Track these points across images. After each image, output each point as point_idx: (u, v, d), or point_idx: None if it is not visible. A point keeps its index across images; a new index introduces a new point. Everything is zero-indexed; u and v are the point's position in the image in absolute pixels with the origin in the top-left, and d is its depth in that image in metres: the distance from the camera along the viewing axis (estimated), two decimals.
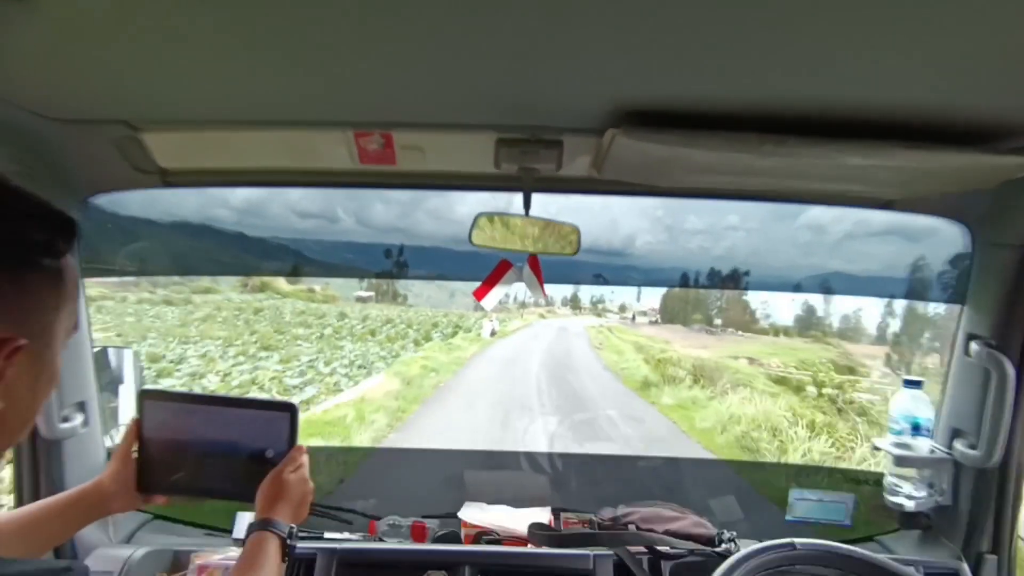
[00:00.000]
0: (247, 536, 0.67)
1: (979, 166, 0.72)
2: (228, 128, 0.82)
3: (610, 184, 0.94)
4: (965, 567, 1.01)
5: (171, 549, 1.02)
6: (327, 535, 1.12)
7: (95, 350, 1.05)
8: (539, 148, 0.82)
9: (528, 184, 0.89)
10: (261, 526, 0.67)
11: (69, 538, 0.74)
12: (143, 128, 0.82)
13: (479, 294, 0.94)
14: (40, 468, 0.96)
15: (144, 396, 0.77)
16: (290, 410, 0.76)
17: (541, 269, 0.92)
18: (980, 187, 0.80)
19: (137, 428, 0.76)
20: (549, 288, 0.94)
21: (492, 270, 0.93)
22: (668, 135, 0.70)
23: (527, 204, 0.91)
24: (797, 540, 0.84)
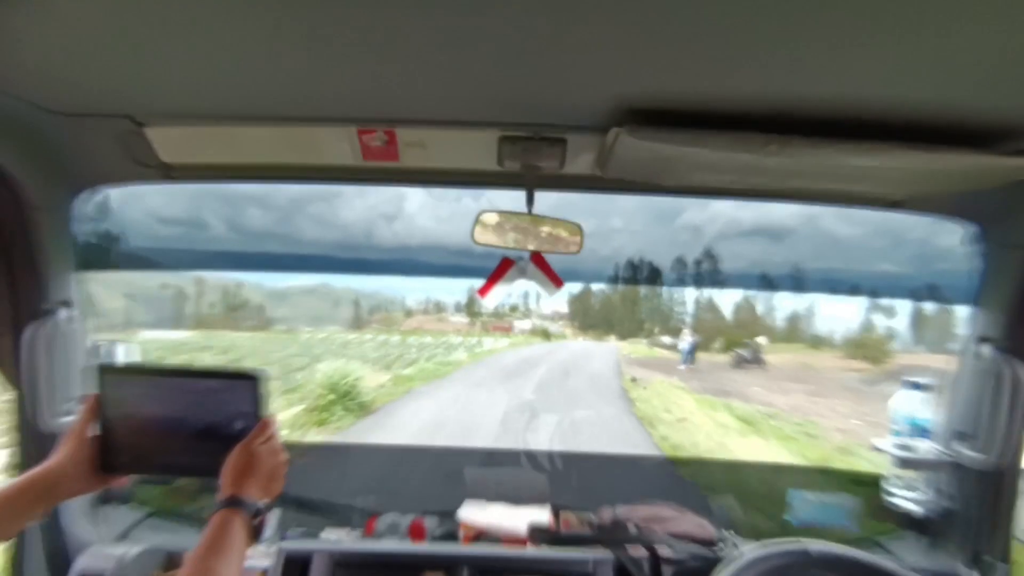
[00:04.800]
0: (212, 514, 0.61)
1: (987, 167, 0.72)
2: (231, 123, 0.82)
3: (613, 182, 0.94)
4: (966, 571, 1.01)
5: (165, 547, 1.01)
6: (325, 532, 1.11)
7: (91, 343, 1.04)
8: (542, 146, 0.82)
9: (531, 182, 0.89)
10: (226, 503, 0.61)
11: (21, 530, 0.68)
12: (146, 122, 0.82)
13: (482, 292, 0.93)
14: (36, 461, 0.95)
15: (104, 371, 0.72)
16: (255, 379, 0.71)
17: (548, 263, 0.91)
18: (988, 187, 0.80)
19: (95, 405, 0.70)
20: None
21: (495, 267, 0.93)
22: (672, 134, 0.69)
23: (530, 201, 0.91)
24: (810, 544, 0.82)
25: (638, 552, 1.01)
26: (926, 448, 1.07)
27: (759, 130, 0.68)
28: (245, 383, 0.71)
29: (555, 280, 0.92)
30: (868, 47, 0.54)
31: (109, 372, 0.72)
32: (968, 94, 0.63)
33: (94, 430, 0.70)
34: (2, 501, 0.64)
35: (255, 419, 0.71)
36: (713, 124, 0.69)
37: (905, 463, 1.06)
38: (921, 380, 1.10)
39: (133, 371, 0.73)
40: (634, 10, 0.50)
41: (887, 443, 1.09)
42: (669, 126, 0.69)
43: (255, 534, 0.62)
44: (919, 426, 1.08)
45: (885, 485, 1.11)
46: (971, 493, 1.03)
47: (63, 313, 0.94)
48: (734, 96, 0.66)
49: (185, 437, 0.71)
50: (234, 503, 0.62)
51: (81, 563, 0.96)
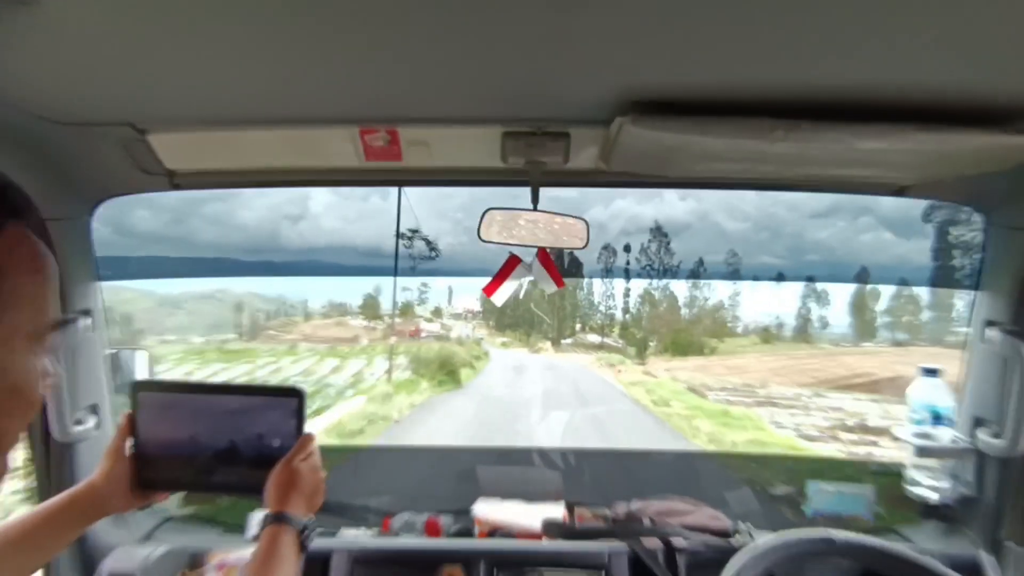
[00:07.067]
0: (260, 530, 0.63)
1: (995, 148, 0.70)
2: (234, 127, 0.82)
3: (618, 175, 0.93)
4: (988, 558, 0.99)
5: (189, 547, 1.04)
6: (342, 532, 1.12)
7: (107, 352, 1.06)
8: (546, 141, 0.81)
9: (535, 177, 0.88)
10: (275, 519, 0.63)
11: (64, 548, 0.67)
12: (149, 130, 0.82)
13: (488, 290, 0.93)
14: (53, 472, 0.97)
15: (138, 388, 0.71)
16: (297, 395, 0.71)
17: (553, 261, 0.91)
18: (996, 170, 0.78)
19: (131, 422, 0.71)
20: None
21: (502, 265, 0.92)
22: (677, 122, 0.68)
23: (535, 197, 0.90)
24: (835, 533, 0.81)
25: (653, 544, 1.01)
26: (947, 436, 1.05)
27: (766, 116, 0.67)
28: (286, 400, 0.71)
29: (557, 279, 0.91)
30: (873, 28, 0.52)
31: (144, 388, 0.72)
32: (977, 73, 0.61)
33: (131, 447, 0.71)
34: (39, 522, 0.64)
35: (295, 436, 0.70)
36: (719, 111, 0.67)
37: (925, 451, 1.05)
38: (935, 367, 1.08)
39: (168, 387, 0.73)
40: None
41: (907, 432, 1.07)
42: (674, 115, 0.68)
43: (302, 549, 0.63)
44: (939, 414, 1.06)
45: (905, 474, 1.09)
46: (992, 480, 1.02)
47: (82, 322, 0.96)
48: (739, 82, 0.65)
49: (222, 454, 0.71)
50: (282, 519, 0.63)
51: (108, 564, 0.98)
